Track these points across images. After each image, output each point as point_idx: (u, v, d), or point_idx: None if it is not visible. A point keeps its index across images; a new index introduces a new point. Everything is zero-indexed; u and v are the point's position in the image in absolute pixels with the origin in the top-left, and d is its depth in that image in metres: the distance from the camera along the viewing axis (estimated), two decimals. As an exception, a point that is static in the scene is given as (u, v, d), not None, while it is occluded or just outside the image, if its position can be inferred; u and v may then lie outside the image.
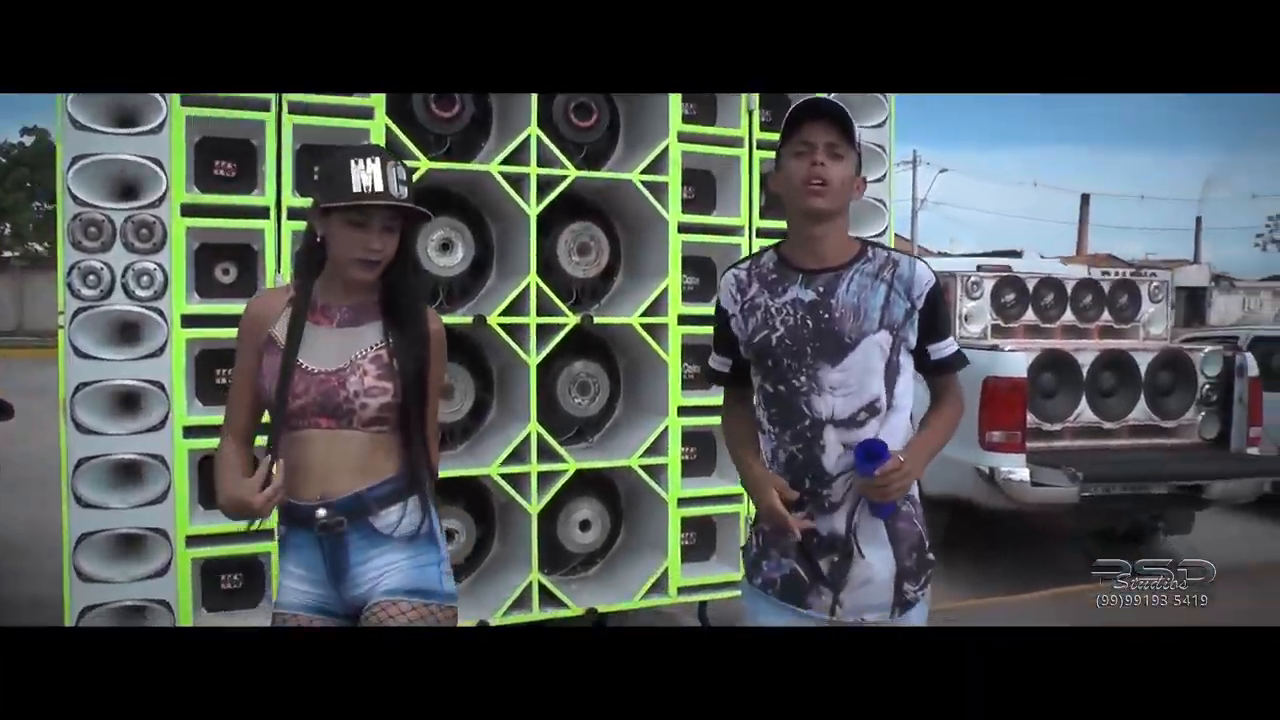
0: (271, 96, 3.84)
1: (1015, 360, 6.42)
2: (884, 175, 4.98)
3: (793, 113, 2.27)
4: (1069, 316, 7.71)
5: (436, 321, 2.47)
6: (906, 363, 2.31)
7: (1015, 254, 13.28)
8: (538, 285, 4.34)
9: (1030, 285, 7.65)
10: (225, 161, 3.91)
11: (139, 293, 3.65)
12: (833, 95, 4.35)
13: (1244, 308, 40.12)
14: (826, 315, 2.26)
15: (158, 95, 3.64)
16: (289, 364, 2.27)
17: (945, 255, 16.10)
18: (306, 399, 2.27)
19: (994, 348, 6.62)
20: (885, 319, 2.26)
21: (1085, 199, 46.49)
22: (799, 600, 2.32)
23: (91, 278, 3.60)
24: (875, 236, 4.94)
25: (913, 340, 2.30)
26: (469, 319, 4.25)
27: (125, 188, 3.70)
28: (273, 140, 3.86)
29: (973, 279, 7.51)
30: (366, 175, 2.19)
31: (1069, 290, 7.72)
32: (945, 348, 2.36)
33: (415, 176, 3.80)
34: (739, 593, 2.63)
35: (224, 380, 3.86)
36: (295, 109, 3.88)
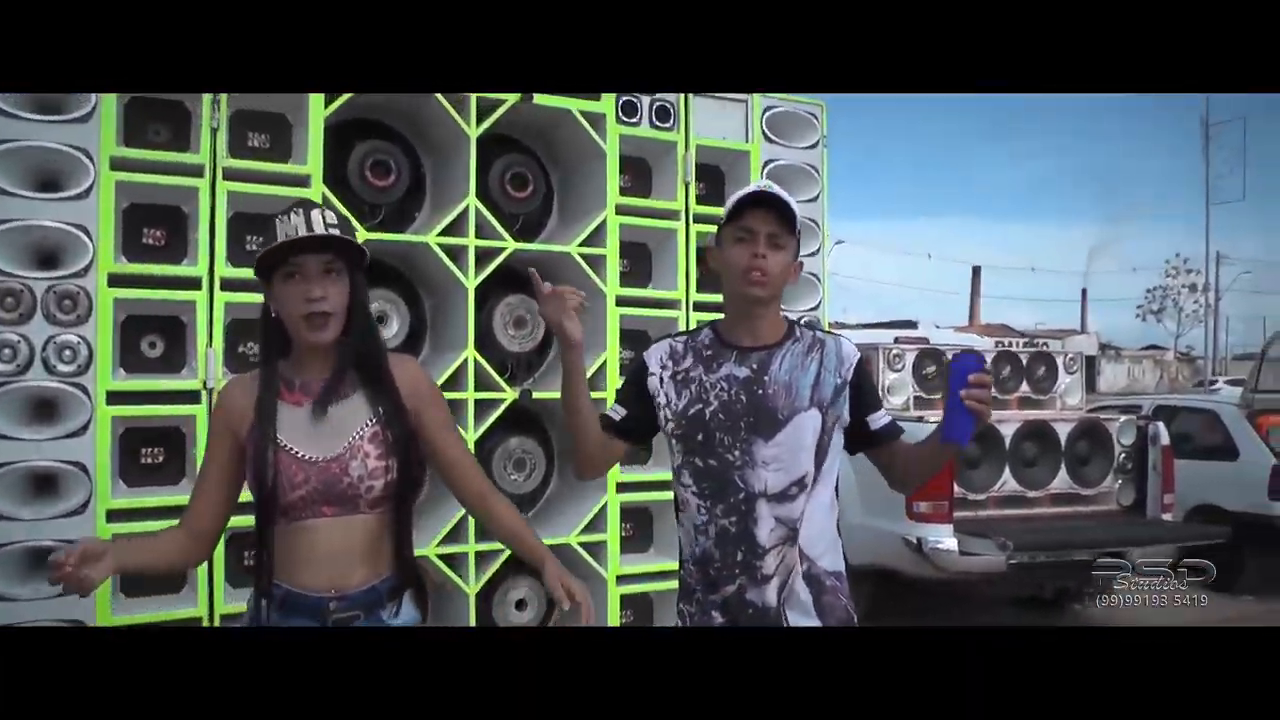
0: (205, 161, 3.71)
1: (942, 432, 6.40)
2: (818, 250, 5.01)
3: (738, 200, 2.31)
4: (989, 387, 7.79)
5: (413, 367, 2.35)
6: (837, 440, 2.35)
7: (911, 324, 13.52)
8: (475, 360, 4.23)
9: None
10: (154, 229, 3.74)
11: (61, 367, 3.44)
12: (773, 100, 4.49)
13: (1129, 376, 41.63)
14: (760, 391, 2.29)
15: (84, 159, 3.48)
16: (265, 450, 2.11)
17: (844, 326, 16.30)
18: (307, 489, 2.12)
19: (920, 419, 6.64)
20: (815, 397, 2.30)
21: (977, 270, 48.23)
22: None
23: (7, 351, 3.38)
24: (810, 310, 4.98)
25: (846, 417, 2.34)
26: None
27: (46, 255, 3.50)
28: (206, 207, 3.71)
29: (894, 352, 7.60)
30: (290, 226, 2.10)
31: (988, 362, 7.82)
32: (882, 418, 2.41)
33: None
34: None
35: (150, 460, 3.68)
36: (229, 175, 3.75)
